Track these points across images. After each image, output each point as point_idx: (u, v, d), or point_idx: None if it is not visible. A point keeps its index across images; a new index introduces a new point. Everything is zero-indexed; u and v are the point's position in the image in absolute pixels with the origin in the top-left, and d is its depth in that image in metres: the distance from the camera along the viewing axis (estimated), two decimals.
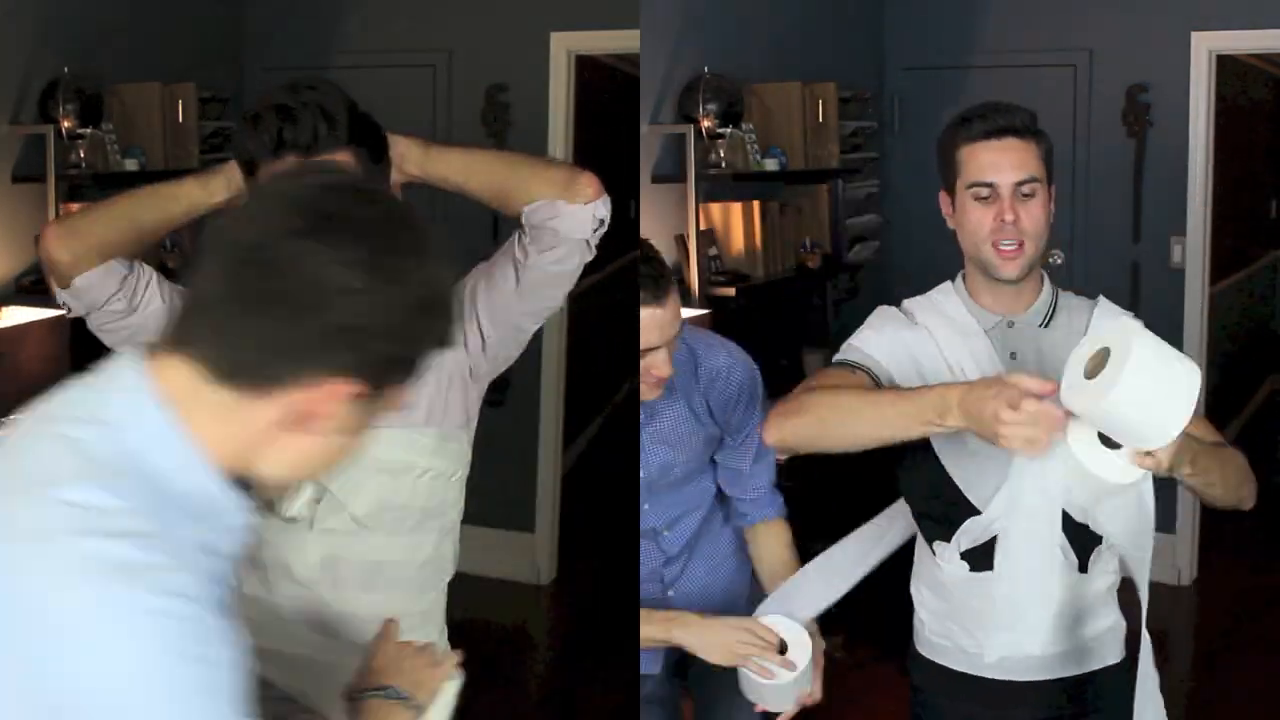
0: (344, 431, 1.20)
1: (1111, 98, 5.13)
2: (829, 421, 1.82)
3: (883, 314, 2.09)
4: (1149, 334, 1.65)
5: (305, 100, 1.71)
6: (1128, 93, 5.11)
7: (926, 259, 5.31)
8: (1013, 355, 2.01)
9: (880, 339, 2.03)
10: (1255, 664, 4.33)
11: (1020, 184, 1.92)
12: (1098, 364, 1.64)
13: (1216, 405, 5.55)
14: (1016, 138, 1.93)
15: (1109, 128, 5.10)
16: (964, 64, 5.37)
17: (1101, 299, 2.07)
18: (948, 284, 2.08)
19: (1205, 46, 4.96)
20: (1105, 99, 5.14)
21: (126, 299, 1.84)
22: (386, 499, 1.81)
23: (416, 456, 1.82)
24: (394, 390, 1.22)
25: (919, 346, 2.02)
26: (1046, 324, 2.03)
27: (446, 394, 1.86)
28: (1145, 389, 1.59)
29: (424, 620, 1.87)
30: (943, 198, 2.03)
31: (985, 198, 1.94)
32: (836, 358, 2.05)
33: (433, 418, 1.84)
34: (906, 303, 2.09)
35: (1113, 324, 1.80)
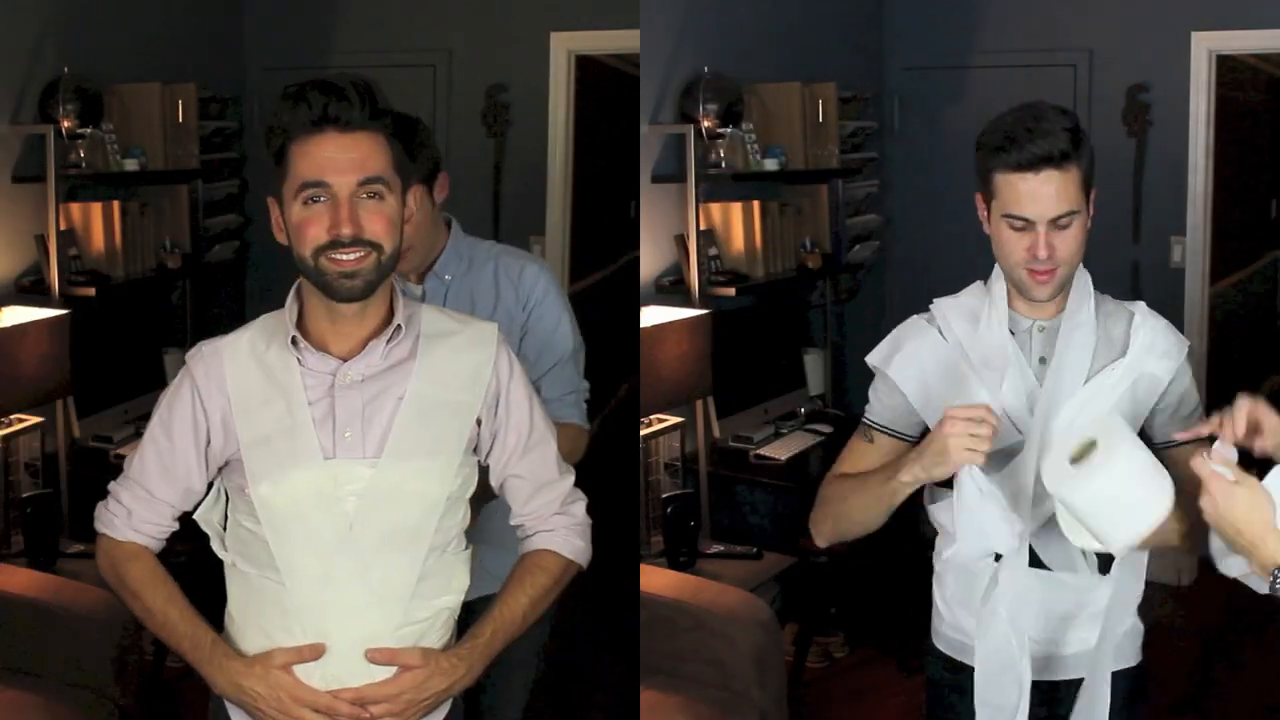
0: None
1: (1111, 98, 5.13)
2: (844, 519, 2.02)
3: (903, 329, 2.08)
4: (1135, 440, 1.77)
5: (351, 79, 1.76)
6: (1128, 93, 5.11)
7: (926, 259, 5.35)
8: (1042, 360, 1.98)
9: (903, 363, 2.04)
10: (1255, 664, 4.33)
11: (1057, 218, 1.88)
12: (1084, 452, 1.76)
13: (1217, 405, 5.54)
14: (1054, 168, 1.86)
15: (1109, 128, 5.10)
16: (964, 64, 5.36)
17: (1140, 305, 2.04)
18: (979, 284, 2.06)
19: (1205, 46, 4.95)
20: (1105, 99, 5.13)
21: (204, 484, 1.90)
22: (400, 521, 1.83)
23: (428, 484, 1.84)
24: None
25: (933, 355, 2.01)
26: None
27: (458, 432, 1.88)
28: (1119, 494, 1.72)
29: (428, 629, 1.87)
30: (978, 201, 1.97)
31: (1020, 228, 1.90)
32: (864, 415, 2.09)
33: (445, 449, 1.86)
34: (936, 301, 2.07)
35: (1103, 419, 1.83)
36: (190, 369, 1.87)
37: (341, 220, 1.74)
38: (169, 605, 1.86)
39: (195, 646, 1.83)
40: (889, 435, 2.05)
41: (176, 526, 1.93)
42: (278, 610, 1.82)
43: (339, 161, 1.74)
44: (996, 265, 2.00)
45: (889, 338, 2.08)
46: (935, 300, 2.08)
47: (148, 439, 1.90)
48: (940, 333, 2.03)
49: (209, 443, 1.86)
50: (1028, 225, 1.89)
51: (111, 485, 1.94)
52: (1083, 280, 2.00)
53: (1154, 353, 1.99)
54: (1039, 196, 1.86)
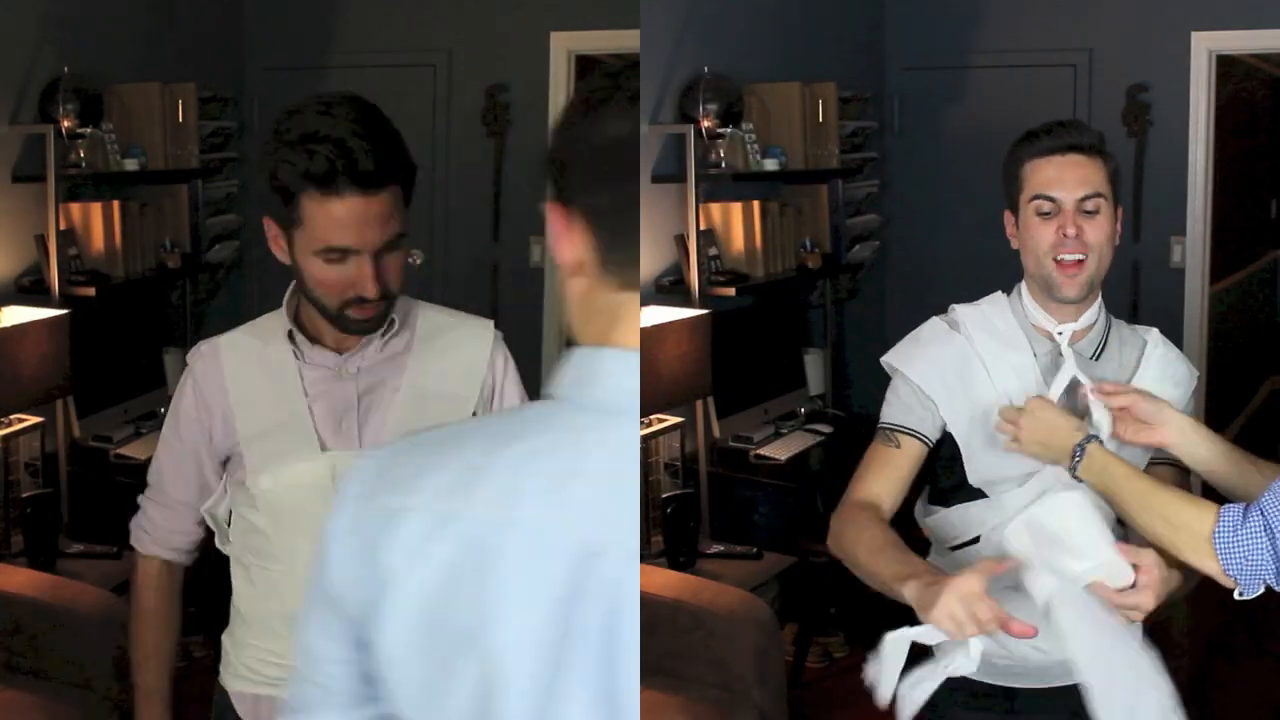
0: None
1: (1111, 98, 5.13)
2: (855, 567, 1.91)
3: (926, 331, 2.04)
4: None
5: (375, 134, 1.69)
6: (1128, 93, 5.11)
7: (926, 259, 5.35)
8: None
9: (926, 367, 1.99)
10: (1254, 664, 4.33)
11: (1083, 199, 1.92)
12: None
13: (1216, 405, 5.55)
14: (1082, 154, 1.95)
15: (1109, 128, 5.09)
16: (964, 64, 5.36)
17: (1154, 332, 2.03)
18: (999, 295, 2.04)
19: (1205, 46, 4.96)
20: (1105, 99, 5.13)
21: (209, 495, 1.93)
22: None
23: None
24: None
25: (957, 362, 1.98)
26: (1098, 356, 1.98)
27: None
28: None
29: None
30: (1007, 218, 1.99)
31: (1048, 212, 1.92)
32: (882, 420, 2.01)
33: None
34: (957, 308, 2.05)
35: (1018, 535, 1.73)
36: (191, 368, 1.91)
37: (367, 280, 1.73)
38: (152, 654, 1.97)
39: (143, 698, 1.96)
40: (913, 437, 1.99)
41: (201, 533, 1.96)
42: (278, 600, 1.84)
43: (364, 224, 1.69)
44: (1021, 282, 1.99)
45: (908, 339, 2.04)
46: (955, 306, 2.05)
47: (161, 443, 1.95)
48: (965, 340, 1.99)
49: (212, 438, 1.89)
50: (1056, 208, 1.92)
51: (139, 499, 1.98)
52: (1101, 308, 1.99)
53: (1168, 381, 1.99)
54: (1066, 178, 1.94)
